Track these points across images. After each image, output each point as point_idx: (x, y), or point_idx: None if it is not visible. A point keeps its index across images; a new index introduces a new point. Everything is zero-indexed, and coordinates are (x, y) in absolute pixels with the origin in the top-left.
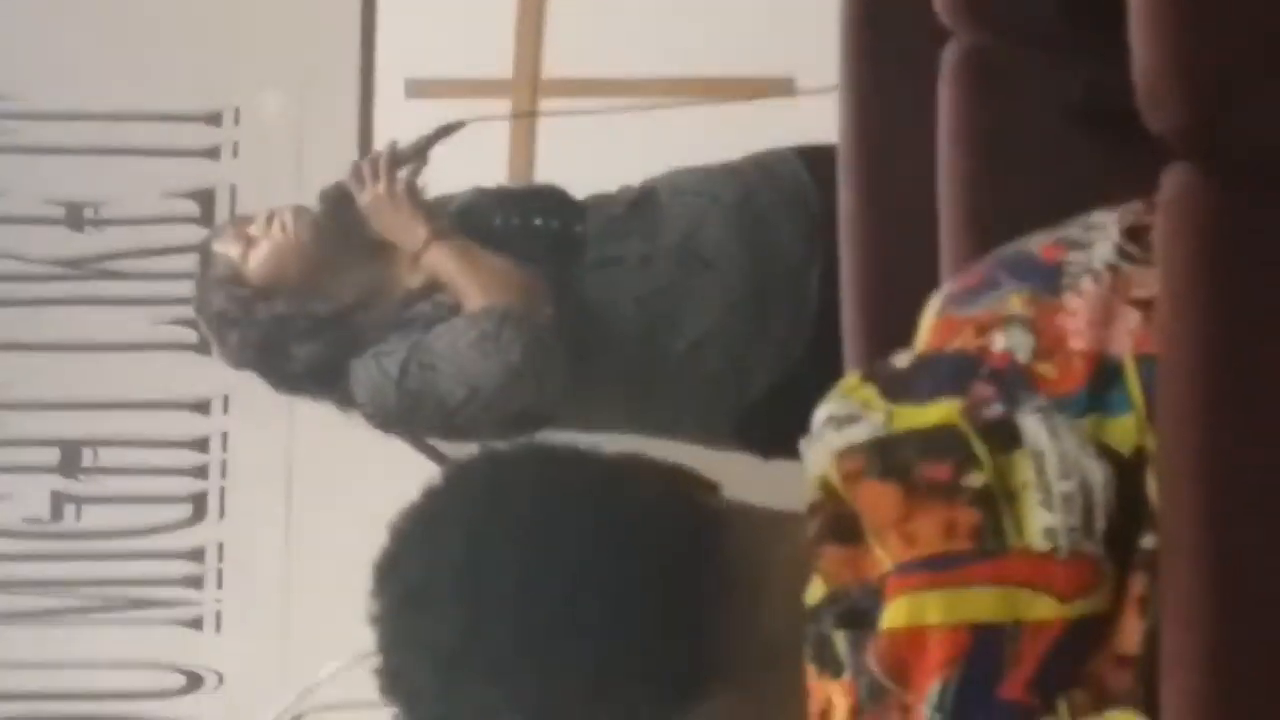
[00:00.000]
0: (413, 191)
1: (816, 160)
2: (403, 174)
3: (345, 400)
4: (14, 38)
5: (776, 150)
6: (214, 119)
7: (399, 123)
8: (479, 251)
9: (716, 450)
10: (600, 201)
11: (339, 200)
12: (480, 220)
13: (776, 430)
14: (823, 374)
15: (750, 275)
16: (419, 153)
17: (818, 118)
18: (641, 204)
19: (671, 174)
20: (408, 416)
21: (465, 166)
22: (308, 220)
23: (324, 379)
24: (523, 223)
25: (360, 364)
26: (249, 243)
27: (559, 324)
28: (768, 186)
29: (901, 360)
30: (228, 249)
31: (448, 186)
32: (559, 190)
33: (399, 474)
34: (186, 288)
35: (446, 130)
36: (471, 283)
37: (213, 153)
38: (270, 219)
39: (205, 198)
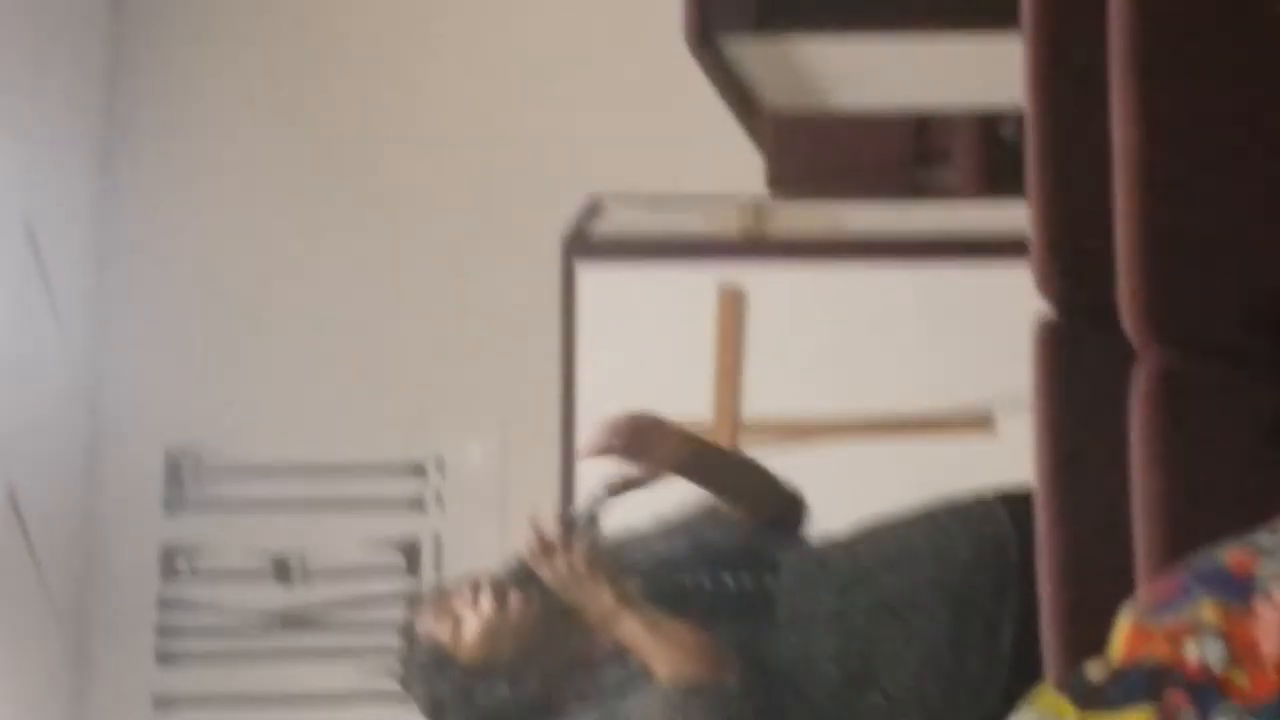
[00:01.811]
0: (594, 560)
1: (1019, 507)
2: (580, 542)
3: None
4: (218, 393)
5: (980, 496)
6: (417, 470)
7: (601, 470)
8: (664, 621)
9: None
10: (792, 554)
11: (528, 575)
12: (670, 578)
13: None
14: None
15: (945, 627)
16: (592, 516)
17: (1017, 454)
18: (835, 556)
19: (869, 526)
20: None
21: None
22: (523, 598)
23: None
24: (714, 582)
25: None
26: (456, 621)
27: (746, 689)
28: (965, 535)
29: (1094, 671)
30: (434, 630)
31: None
32: (749, 544)
33: None
34: (392, 638)
35: (621, 487)
36: (656, 654)
37: (417, 503)
38: (476, 591)
39: (410, 548)
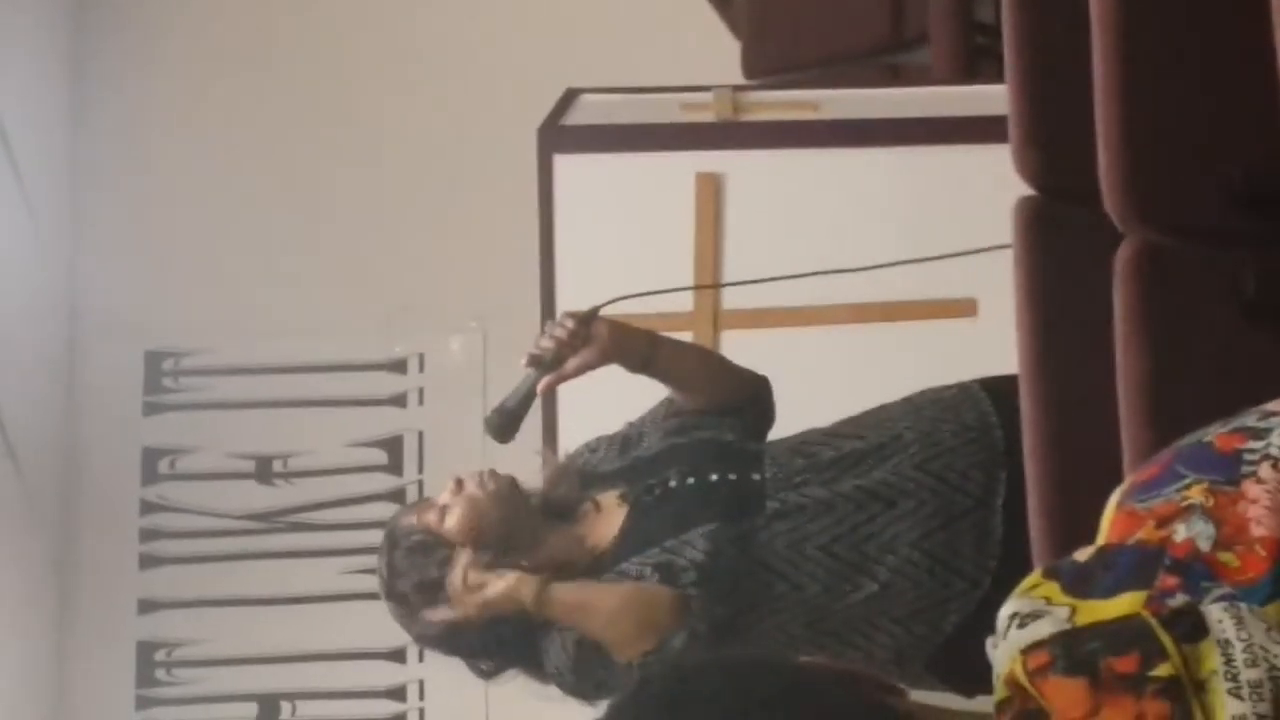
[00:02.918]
0: (491, 583)
1: (999, 391)
2: (465, 562)
3: (539, 675)
4: (198, 295)
5: (961, 383)
6: (399, 366)
7: (579, 393)
8: (589, 589)
9: (915, 688)
10: (775, 446)
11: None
12: (656, 479)
13: (972, 667)
14: None
15: (934, 511)
16: (528, 395)
17: (1001, 336)
18: (819, 446)
19: (852, 416)
20: (592, 694)
21: (651, 400)
22: (506, 479)
23: (520, 651)
24: (698, 480)
25: (548, 639)
26: (441, 511)
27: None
28: (949, 420)
29: (1083, 555)
30: (418, 519)
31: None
32: (731, 440)
33: (599, 710)
34: (377, 536)
35: (552, 365)
36: (596, 630)
37: (399, 400)
38: (459, 484)
39: (393, 445)
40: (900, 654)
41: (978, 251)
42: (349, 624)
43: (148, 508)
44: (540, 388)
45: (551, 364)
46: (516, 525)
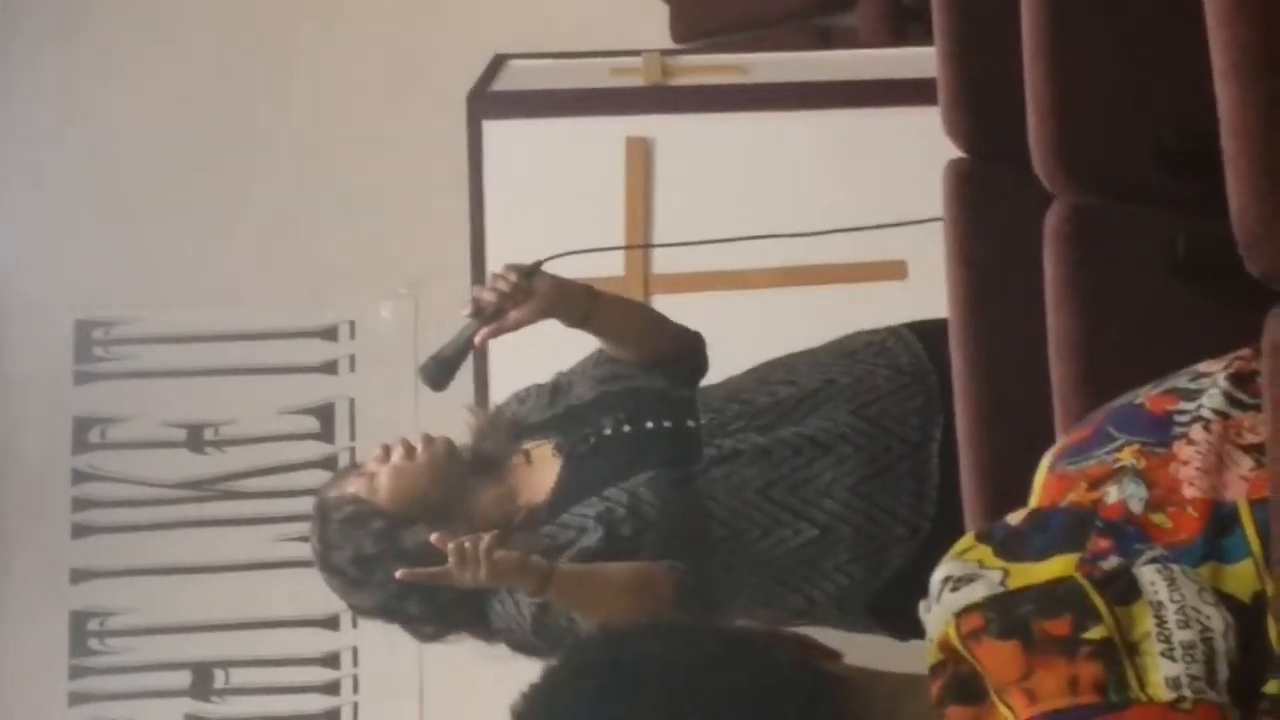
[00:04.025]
0: (504, 558)
1: (931, 335)
2: (486, 543)
3: (486, 635)
4: (127, 263)
5: (890, 327)
6: (329, 334)
7: (509, 347)
8: (590, 574)
9: (855, 633)
10: (709, 393)
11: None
12: (590, 428)
13: (913, 611)
14: None
15: (871, 456)
16: (465, 344)
17: (930, 298)
18: (753, 392)
19: (783, 359)
20: (547, 651)
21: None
22: (442, 444)
23: (467, 613)
24: (634, 428)
25: (497, 602)
26: (371, 478)
27: (680, 594)
28: (883, 364)
29: (1015, 518)
30: (349, 489)
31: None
32: (663, 387)
33: (533, 677)
34: (310, 503)
35: (492, 316)
36: (598, 612)
37: (330, 367)
38: (386, 451)
39: (324, 412)
40: (842, 598)
41: (910, 224)
42: (282, 591)
43: (79, 477)
44: (479, 339)
45: (492, 315)
46: (448, 490)
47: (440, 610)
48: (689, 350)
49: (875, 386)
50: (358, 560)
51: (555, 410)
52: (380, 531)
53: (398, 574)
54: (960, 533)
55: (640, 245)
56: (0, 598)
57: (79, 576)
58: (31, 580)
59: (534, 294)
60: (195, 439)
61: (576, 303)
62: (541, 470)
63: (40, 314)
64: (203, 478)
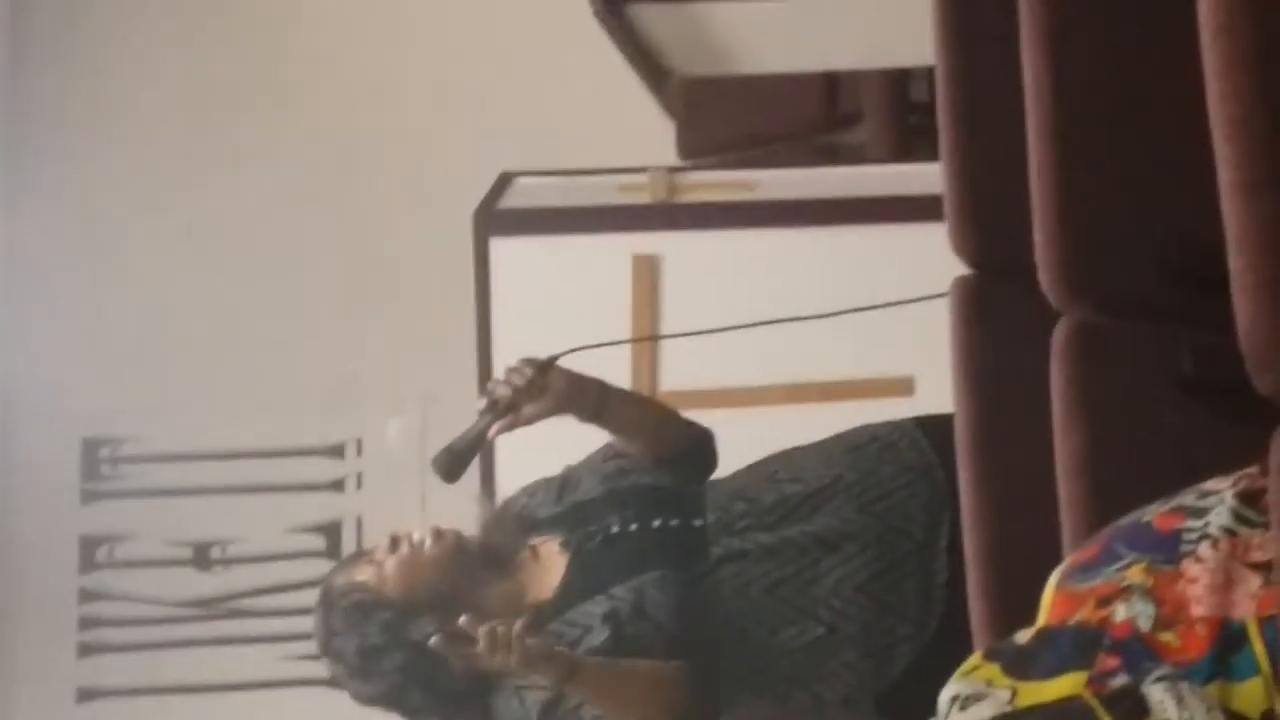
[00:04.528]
0: (534, 649)
1: (936, 430)
2: (519, 629)
3: None
4: (135, 382)
5: (895, 422)
6: (336, 451)
7: (518, 441)
8: (616, 674)
9: None
10: (716, 489)
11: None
12: (597, 526)
13: (921, 708)
14: (961, 648)
15: (878, 554)
16: (478, 437)
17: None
18: (760, 490)
19: (788, 453)
20: None
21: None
22: (450, 540)
23: (471, 707)
24: (641, 526)
25: (502, 698)
26: (379, 566)
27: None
28: (889, 460)
29: (1024, 637)
30: (357, 576)
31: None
32: (667, 485)
33: None
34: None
35: (505, 410)
36: (618, 712)
37: (337, 485)
38: (395, 541)
39: (331, 530)
40: (850, 697)
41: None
42: (289, 710)
43: (86, 596)
44: (493, 433)
45: (506, 410)
46: (456, 583)
47: (443, 701)
48: (699, 445)
49: (881, 483)
50: (362, 650)
51: (563, 506)
52: (387, 623)
53: (430, 641)
54: (968, 631)
55: (649, 337)
56: (6, 718)
57: (85, 695)
58: (37, 700)
59: (548, 389)
60: (202, 557)
61: (589, 398)
62: (548, 567)
63: (47, 432)
64: (210, 596)
